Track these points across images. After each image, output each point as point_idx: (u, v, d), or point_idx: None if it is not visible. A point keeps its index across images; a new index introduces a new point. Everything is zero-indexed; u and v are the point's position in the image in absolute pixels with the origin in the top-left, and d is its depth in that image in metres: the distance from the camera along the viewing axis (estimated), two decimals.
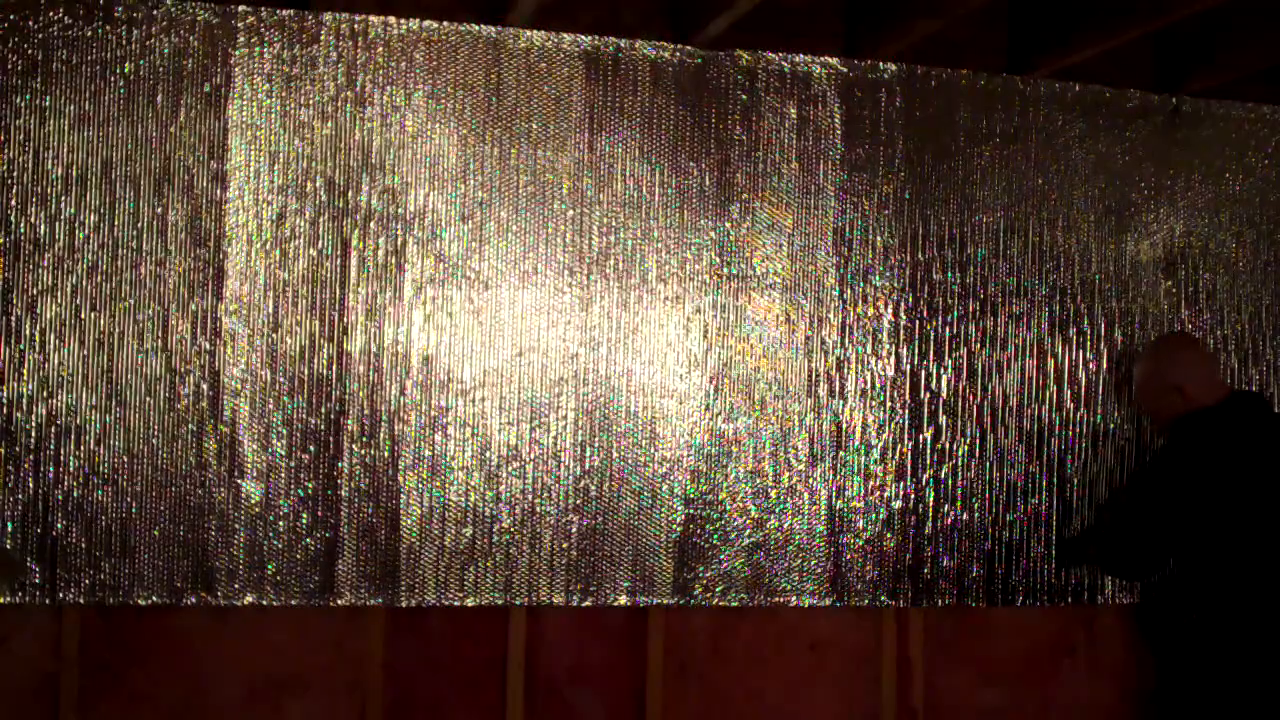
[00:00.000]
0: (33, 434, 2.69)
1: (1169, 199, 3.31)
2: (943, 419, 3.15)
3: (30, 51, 2.71)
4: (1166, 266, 3.30)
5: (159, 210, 2.77)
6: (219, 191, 2.79)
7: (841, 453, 3.08)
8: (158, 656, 2.79)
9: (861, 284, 3.11)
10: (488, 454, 2.90)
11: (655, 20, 3.07)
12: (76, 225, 2.73)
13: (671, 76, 3.03)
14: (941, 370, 3.15)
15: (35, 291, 2.70)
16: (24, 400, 2.69)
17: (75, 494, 2.71)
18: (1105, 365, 3.24)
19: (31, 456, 2.69)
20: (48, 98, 2.72)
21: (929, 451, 3.14)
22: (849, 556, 3.08)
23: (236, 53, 2.80)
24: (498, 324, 2.92)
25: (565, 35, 2.97)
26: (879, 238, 3.13)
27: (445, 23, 2.91)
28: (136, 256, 2.75)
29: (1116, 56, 3.23)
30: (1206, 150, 3.34)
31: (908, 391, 3.13)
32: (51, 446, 2.70)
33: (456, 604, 2.88)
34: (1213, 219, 3.34)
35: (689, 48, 3.03)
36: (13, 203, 2.70)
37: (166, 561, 2.74)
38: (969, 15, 3.01)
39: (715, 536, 3.02)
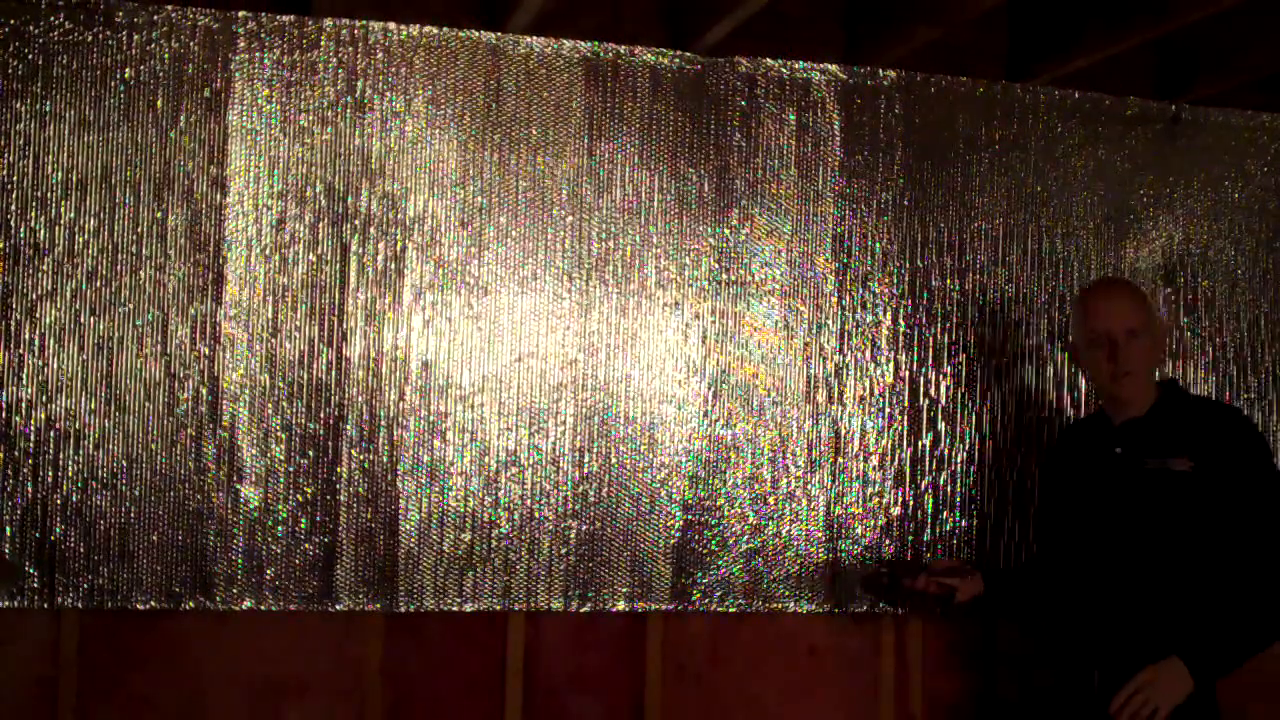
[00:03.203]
0: (32, 438, 2.70)
1: (1168, 206, 3.31)
2: (941, 425, 3.15)
3: (31, 56, 2.72)
4: (1166, 274, 3.30)
5: (159, 215, 2.77)
6: (218, 196, 2.80)
7: (840, 459, 3.08)
8: (156, 661, 2.79)
9: (860, 290, 3.11)
10: (486, 459, 2.90)
11: (656, 26, 3.07)
12: (76, 230, 2.73)
13: (671, 83, 3.03)
14: (940, 376, 3.15)
15: (35, 296, 2.71)
16: (23, 404, 2.69)
17: (74, 498, 2.71)
18: None
19: (30, 461, 2.70)
20: (48, 102, 2.73)
21: (928, 458, 3.14)
22: (847, 563, 3.08)
23: (236, 58, 2.81)
24: (497, 329, 2.92)
25: (565, 41, 2.97)
26: (878, 244, 3.13)
27: (445, 28, 2.91)
28: (136, 261, 2.76)
29: (1117, 63, 3.22)
30: (1206, 157, 3.34)
31: (906, 398, 3.13)
32: (50, 451, 2.70)
33: (455, 609, 2.89)
34: (1212, 226, 3.34)
35: (689, 54, 3.03)
36: (13, 207, 2.70)
37: (165, 566, 2.75)
38: (969, 21, 3.01)
39: (713, 542, 3.02)
